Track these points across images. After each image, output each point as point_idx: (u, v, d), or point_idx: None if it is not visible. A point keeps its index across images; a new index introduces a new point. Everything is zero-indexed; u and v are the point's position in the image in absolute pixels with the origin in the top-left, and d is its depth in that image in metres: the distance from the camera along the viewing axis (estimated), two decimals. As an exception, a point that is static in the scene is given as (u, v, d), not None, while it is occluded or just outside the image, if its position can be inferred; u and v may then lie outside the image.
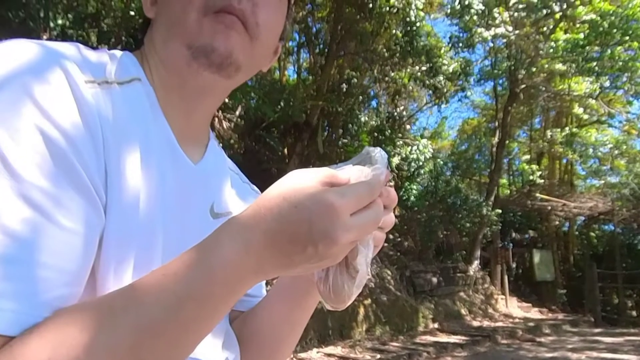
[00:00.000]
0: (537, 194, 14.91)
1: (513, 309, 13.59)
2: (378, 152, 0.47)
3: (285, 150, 9.47)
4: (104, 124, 0.45)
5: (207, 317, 0.40)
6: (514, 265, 15.98)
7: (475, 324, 11.11)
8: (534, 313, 14.00)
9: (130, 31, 6.27)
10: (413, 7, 7.54)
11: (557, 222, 16.84)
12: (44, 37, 5.48)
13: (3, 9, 5.21)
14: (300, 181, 0.41)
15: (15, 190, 0.37)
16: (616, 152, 16.66)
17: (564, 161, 17.64)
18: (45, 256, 0.37)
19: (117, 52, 0.55)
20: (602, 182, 17.73)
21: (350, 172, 0.44)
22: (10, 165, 0.37)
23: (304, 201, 0.39)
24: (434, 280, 11.41)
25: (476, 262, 13.34)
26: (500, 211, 13.00)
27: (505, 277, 13.93)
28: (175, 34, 0.54)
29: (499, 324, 11.44)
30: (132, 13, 6.47)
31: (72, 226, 0.40)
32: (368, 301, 8.88)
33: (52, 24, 5.85)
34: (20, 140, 0.38)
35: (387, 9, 7.62)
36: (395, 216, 0.49)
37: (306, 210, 0.39)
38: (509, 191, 17.87)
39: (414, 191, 10.83)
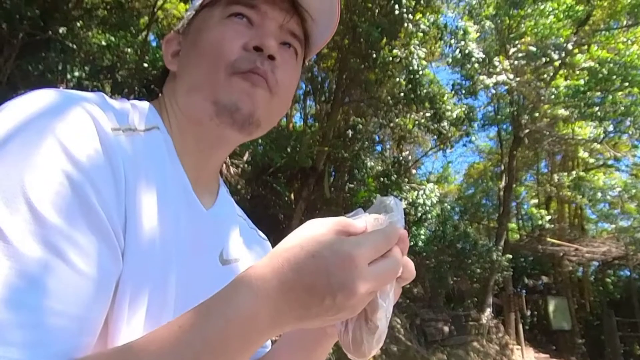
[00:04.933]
0: (548, 239, 14.64)
1: (530, 360, 12.95)
2: (392, 201, 0.47)
3: (292, 195, 9.49)
4: (127, 170, 0.46)
5: None
6: (528, 313, 15.40)
7: (491, 376, 10.56)
8: (553, 365, 13.31)
9: (143, 82, 6.52)
10: (415, 56, 7.80)
11: (570, 268, 16.41)
12: (61, 87, 5.69)
13: (24, 62, 5.47)
14: (318, 230, 0.41)
15: (37, 234, 0.37)
16: (626, 195, 16.49)
17: (573, 205, 17.46)
18: (61, 303, 0.36)
19: (138, 102, 0.57)
20: (614, 226, 17.42)
21: (366, 221, 0.44)
22: (35, 208, 0.37)
23: (322, 251, 0.39)
24: (446, 329, 10.98)
25: (489, 310, 12.88)
26: (510, 256, 12.71)
27: (520, 326, 13.38)
28: (201, 89, 0.56)
29: (516, 376, 10.86)
30: (145, 65, 6.75)
31: (90, 272, 0.39)
32: (377, 352, 8.52)
33: (69, 76, 6.11)
34: (45, 184, 0.38)
35: (391, 58, 7.90)
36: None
37: (323, 260, 0.39)
38: (518, 236, 17.57)
39: (422, 236, 10.68)
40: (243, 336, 0.39)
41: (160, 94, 0.63)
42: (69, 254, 0.38)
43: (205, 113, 0.55)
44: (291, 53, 0.61)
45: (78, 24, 6.60)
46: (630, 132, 13.24)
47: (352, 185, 10.17)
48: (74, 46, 6.15)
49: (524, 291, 15.66)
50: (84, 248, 0.39)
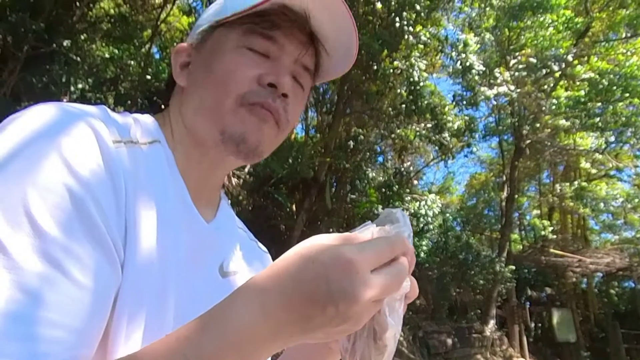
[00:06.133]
0: (551, 250, 14.54)
1: (534, 373, 12.77)
2: (399, 212, 0.46)
3: (294, 206, 9.47)
4: (128, 182, 0.46)
5: None
6: (532, 325, 15.22)
7: (495, 390, 10.41)
8: (558, 378, 13.12)
9: (146, 94, 6.57)
10: (416, 68, 7.86)
11: (574, 279, 16.24)
12: (65, 100, 5.75)
13: (28, 74, 5.52)
14: (318, 240, 0.41)
15: (37, 247, 0.37)
16: (629, 206, 16.41)
17: (576, 215, 17.37)
18: (60, 315, 0.37)
19: (140, 115, 0.57)
20: (617, 237, 17.32)
21: (372, 232, 0.43)
22: (35, 221, 0.37)
23: (320, 257, 0.38)
24: (449, 341, 10.86)
25: (492, 322, 12.75)
26: (513, 267, 12.62)
27: (524, 338, 13.22)
28: (209, 114, 0.57)
29: (521, 390, 10.71)
30: (148, 77, 6.82)
31: (90, 285, 0.39)
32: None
33: (72, 88, 6.16)
34: (46, 198, 0.39)
35: (392, 70, 7.95)
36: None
37: (323, 266, 0.37)
38: (521, 247, 17.46)
39: (424, 247, 10.62)
40: (240, 350, 0.38)
41: (164, 106, 0.63)
42: (68, 267, 0.38)
43: (212, 138, 0.56)
44: (300, 86, 0.62)
45: (82, 37, 6.67)
46: (631, 143, 13.24)
47: (353, 196, 10.16)
48: (78, 59, 6.21)
49: (527, 303, 15.50)
50: (84, 261, 0.39)
